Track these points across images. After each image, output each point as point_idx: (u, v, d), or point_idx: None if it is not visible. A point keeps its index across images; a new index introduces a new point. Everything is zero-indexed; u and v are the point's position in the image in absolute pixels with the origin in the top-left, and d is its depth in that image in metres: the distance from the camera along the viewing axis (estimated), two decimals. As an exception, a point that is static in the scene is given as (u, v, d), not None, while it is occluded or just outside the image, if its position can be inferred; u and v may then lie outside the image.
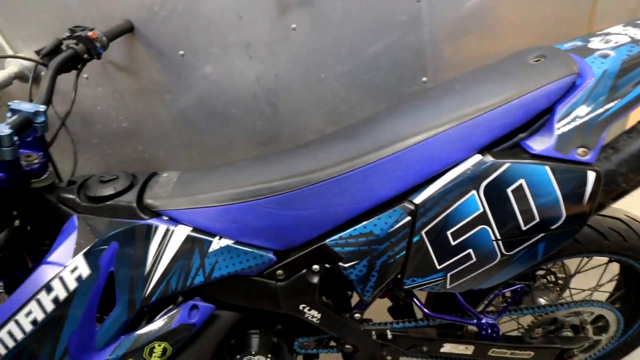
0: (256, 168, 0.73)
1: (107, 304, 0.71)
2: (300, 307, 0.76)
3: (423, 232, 0.67)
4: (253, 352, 0.83)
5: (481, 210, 0.64)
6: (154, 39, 1.02)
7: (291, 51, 1.02)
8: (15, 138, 0.63)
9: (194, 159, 1.25)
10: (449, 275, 0.70)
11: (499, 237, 0.66)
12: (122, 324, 0.71)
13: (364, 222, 0.67)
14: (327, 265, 0.73)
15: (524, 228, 0.65)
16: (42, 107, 0.70)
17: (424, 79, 1.04)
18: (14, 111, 0.69)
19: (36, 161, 0.72)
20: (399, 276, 0.73)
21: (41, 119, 0.70)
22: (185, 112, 1.15)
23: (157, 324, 0.73)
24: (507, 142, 0.64)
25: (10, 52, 1.07)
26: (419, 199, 0.65)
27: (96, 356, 0.71)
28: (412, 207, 0.66)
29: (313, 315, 0.77)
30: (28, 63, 1.08)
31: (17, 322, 0.65)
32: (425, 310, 0.83)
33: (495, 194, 0.63)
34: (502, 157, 0.62)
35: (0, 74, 1.03)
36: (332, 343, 0.88)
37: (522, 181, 0.62)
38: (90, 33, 0.86)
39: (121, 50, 1.05)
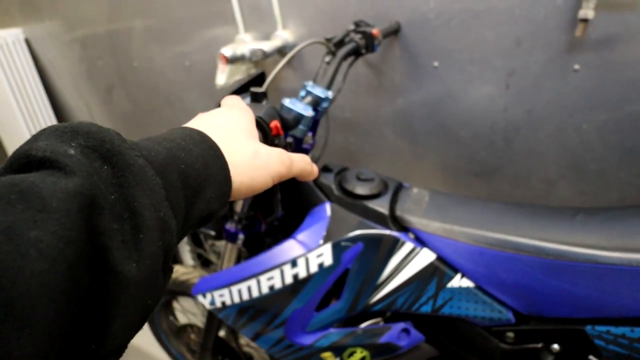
0: (523, 218, 0.67)
1: (327, 295, 0.73)
2: (514, 378, 0.69)
3: None
4: (429, 392, 0.79)
5: None
6: (415, 44, 1.02)
7: (559, 91, 0.91)
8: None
9: (396, 165, 1.24)
10: None
11: None
12: (336, 319, 0.73)
13: (650, 328, 0.56)
14: (566, 348, 0.64)
15: None
16: (331, 94, 0.74)
17: None
18: (308, 92, 0.73)
19: (310, 141, 0.76)
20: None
21: (325, 104, 0.74)
22: (410, 120, 1.14)
23: (367, 332, 0.73)
24: None
25: (280, 27, 1.17)
26: None
27: (304, 337, 0.74)
28: None
29: (523, 391, 0.69)
30: (291, 40, 1.17)
31: (258, 282, 0.70)
32: None
33: None
34: None
35: (269, 45, 1.14)
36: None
37: None
38: (374, 31, 0.88)
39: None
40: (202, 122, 0.35)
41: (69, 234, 0.18)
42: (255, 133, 0.37)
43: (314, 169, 0.42)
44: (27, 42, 1.80)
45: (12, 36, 1.74)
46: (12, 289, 0.16)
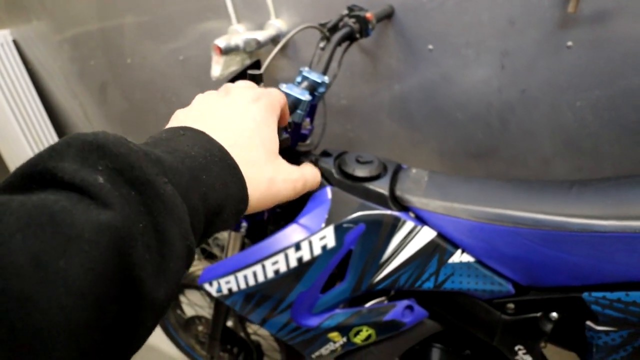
0: (520, 193, 0.68)
1: (331, 278, 0.75)
2: (516, 348, 0.71)
3: None
4: (434, 366, 0.81)
5: None
6: (409, 28, 1.02)
7: (553, 70, 0.92)
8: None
9: (394, 151, 1.25)
10: None
11: None
12: (342, 299, 0.74)
13: (645, 292, 0.58)
14: (564, 315, 0.66)
15: None
16: (327, 79, 0.75)
17: None
18: (304, 78, 0.74)
19: (308, 127, 0.77)
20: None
21: (322, 89, 0.75)
22: (406, 104, 1.15)
23: (372, 311, 0.74)
24: None
25: (273, 16, 1.17)
26: None
27: (310, 319, 0.76)
28: None
29: (525, 360, 0.71)
30: (285, 29, 1.18)
31: (263, 267, 0.72)
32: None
33: None
34: None
35: (262, 34, 1.15)
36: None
37: None
38: (367, 14, 0.88)
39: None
40: (221, 126, 0.32)
41: (98, 268, 0.18)
42: (275, 144, 0.35)
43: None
44: (16, 44, 1.79)
45: (0, 38, 1.72)
46: (40, 320, 0.16)
